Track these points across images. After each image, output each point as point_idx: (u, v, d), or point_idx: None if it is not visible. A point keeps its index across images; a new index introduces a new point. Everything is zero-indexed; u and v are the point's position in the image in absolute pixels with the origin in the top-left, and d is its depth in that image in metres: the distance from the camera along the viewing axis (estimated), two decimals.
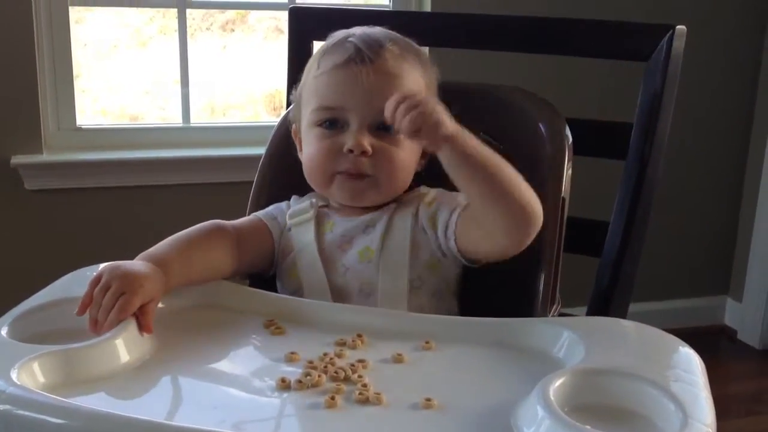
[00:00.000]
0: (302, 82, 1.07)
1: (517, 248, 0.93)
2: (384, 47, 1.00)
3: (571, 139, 1.07)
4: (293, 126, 1.10)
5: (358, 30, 1.03)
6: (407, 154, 1.01)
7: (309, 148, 1.03)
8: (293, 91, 1.11)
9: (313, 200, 1.06)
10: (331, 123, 1.00)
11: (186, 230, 0.99)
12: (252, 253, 1.03)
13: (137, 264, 0.89)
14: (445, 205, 1.00)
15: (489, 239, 0.94)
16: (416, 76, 1.02)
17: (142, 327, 0.83)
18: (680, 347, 0.83)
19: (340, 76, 0.99)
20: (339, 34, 1.04)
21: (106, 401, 0.73)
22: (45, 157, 2.04)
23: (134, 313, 0.83)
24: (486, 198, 0.91)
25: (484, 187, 0.90)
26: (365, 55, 0.98)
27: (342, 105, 0.99)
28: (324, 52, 1.03)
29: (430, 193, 1.03)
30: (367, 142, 0.98)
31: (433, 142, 0.88)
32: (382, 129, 0.99)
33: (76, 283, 0.93)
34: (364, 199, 1.02)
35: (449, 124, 0.88)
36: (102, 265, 0.90)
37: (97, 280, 0.85)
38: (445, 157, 0.90)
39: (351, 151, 0.98)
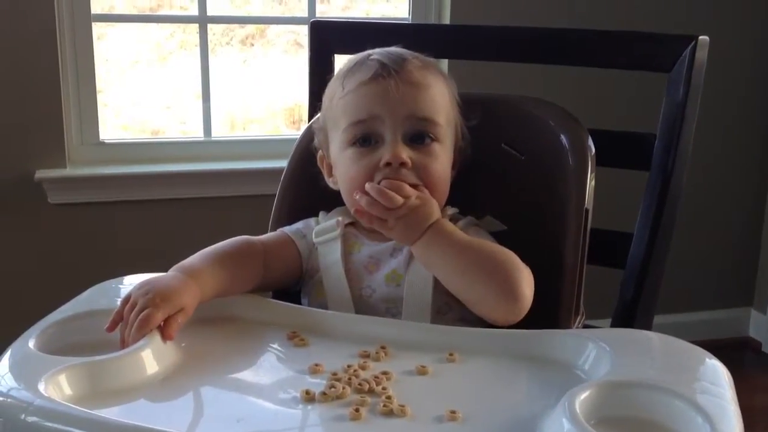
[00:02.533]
0: (325, 107, 1.06)
1: (502, 323, 0.93)
2: (407, 60, 1.00)
3: (593, 150, 1.07)
4: (319, 152, 1.09)
5: (376, 49, 1.03)
6: (444, 166, 1.01)
7: (346, 170, 1.00)
8: (319, 110, 1.11)
9: (339, 218, 1.05)
10: (365, 140, 0.99)
11: (216, 244, 0.99)
12: (279, 270, 1.03)
13: (168, 278, 0.90)
14: None
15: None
16: (441, 86, 1.02)
17: (163, 335, 0.84)
18: (707, 359, 0.82)
19: (369, 91, 0.98)
20: (356, 57, 1.03)
21: (131, 413, 0.74)
22: (69, 171, 2.06)
23: (164, 323, 0.84)
24: (456, 280, 0.94)
25: (457, 279, 0.94)
26: (390, 68, 0.98)
27: (374, 116, 0.98)
28: (346, 73, 1.02)
29: (459, 222, 1.03)
30: (405, 153, 0.97)
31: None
32: (416, 141, 0.98)
33: (100, 295, 0.95)
34: None
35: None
36: (132, 279, 0.91)
37: (127, 298, 0.86)
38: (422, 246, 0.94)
39: (389, 163, 0.96)
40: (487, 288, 0.92)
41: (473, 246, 0.94)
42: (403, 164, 0.96)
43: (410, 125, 0.98)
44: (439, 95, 1.01)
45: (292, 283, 1.06)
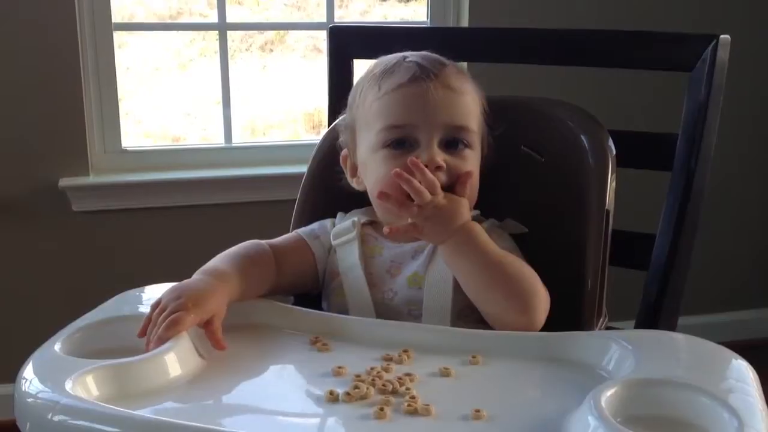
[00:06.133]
0: (356, 106, 1.05)
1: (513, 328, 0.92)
2: (445, 65, 1.01)
3: (614, 151, 1.06)
4: (343, 151, 1.08)
5: (409, 52, 1.03)
6: (475, 170, 1.01)
7: (377, 171, 1.00)
8: (339, 114, 1.10)
9: (355, 219, 1.05)
10: (399, 143, 0.98)
11: (231, 248, 1.00)
12: (291, 271, 1.03)
13: (198, 282, 0.90)
14: None
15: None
16: (474, 94, 1.02)
17: (215, 347, 0.86)
18: (732, 359, 0.81)
19: (408, 94, 0.98)
20: (391, 58, 1.03)
21: (157, 414, 0.73)
22: (92, 179, 2.08)
23: (206, 335, 0.86)
24: (477, 291, 0.94)
25: (478, 283, 0.94)
26: (430, 72, 0.98)
27: (411, 122, 0.97)
28: (382, 74, 1.01)
29: (482, 225, 1.02)
30: (440, 157, 0.97)
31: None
32: (450, 146, 0.98)
33: (124, 303, 0.95)
34: None
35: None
36: (155, 288, 0.93)
37: (158, 302, 0.87)
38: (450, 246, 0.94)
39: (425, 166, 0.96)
40: (505, 306, 0.92)
41: (501, 261, 0.93)
42: (438, 168, 0.96)
43: (447, 132, 0.98)
44: (472, 102, 1.01)
45: (307, 285, 1.06)
